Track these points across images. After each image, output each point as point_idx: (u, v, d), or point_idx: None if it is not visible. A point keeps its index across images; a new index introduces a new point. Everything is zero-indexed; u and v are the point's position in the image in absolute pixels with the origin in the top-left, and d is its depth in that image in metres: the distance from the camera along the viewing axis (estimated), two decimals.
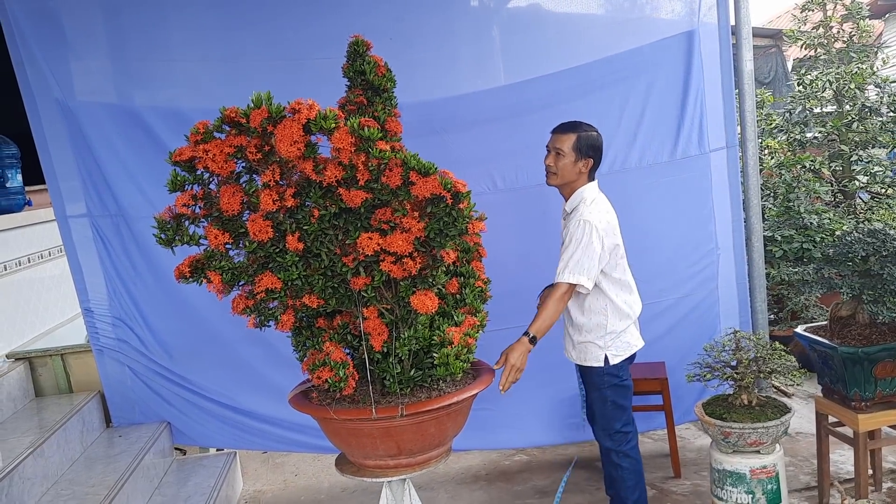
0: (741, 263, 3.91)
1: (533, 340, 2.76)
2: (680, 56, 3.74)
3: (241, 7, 3.60)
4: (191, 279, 2.37)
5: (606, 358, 2.90)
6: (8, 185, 4.39)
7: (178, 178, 2.34)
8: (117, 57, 3.65)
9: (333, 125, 2.14)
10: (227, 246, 2.34)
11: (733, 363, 3.04)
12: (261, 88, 3.72)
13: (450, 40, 3.79)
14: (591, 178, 2.94)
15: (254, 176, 2.37)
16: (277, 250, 2.30)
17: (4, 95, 4.56)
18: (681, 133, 3.77)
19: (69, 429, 3.49)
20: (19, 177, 4.48)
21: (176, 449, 4.03)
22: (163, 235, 2.36)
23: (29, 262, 4.38)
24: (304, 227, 2.26)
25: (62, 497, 3.12)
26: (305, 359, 2.41)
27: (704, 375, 3.01)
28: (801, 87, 6.43)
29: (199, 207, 2.34)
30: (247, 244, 2.29)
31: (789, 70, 10.84)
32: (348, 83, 2.55)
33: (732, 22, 3.81)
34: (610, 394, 2.92)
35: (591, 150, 2.90)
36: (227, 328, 3.79)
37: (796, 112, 6.34)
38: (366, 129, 2.14)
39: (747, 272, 3.92)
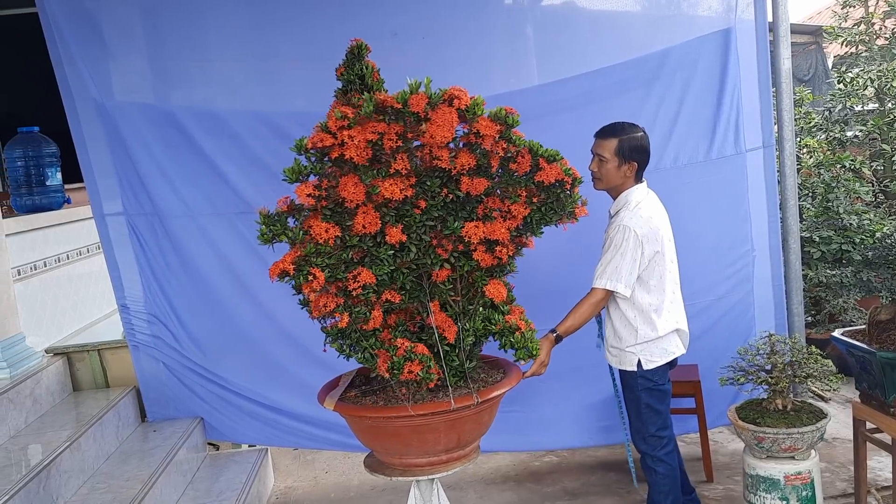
0: (777, 265, 3.84)
1: (558, 339, 2.81)
2: (716, 54, 3.68)
3: (274, 6, 3.63)
4: (290, 278, 2.26)
5: (640, 362, 2.87)
6: (48, 182, 4.48)
7: (301, 168, 2.27)
8: (152, 56, 3.71)
9: (481, 112, 2.20)
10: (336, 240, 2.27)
11: (767, 367, 2.99)
12: (294, 88, 3.79)
13: (484, 39, 3.78)
14: (638, 180, 2.90)
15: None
16: (373, 244, 2.27)
17: (45, 95, 4.65)
18: (716, 132, 3.71)
19: (105, 423, 3.55)
20: (59, 175, 4.57)
21: (209, 444, 4.09)
22: (267, 231, 2.29)
23: (67, 258, 4.47)
24: (407, 219, 2.26)
25: (98, 490, 3.17)
26: (366, 356, 2.35)
27: (738, 379, 2.97)
28: (841, 84, 6.30)
29: (322, 198, 2.26)
30: (347, 238, 2.24)
31: (829, 67, 10.64)
32: (343, 86, 2.50)
33: (770, 19, 3.74)
34: (644, 397, 2.89)
35: (634, 153, 2.85)
36: (257, 327, 3.83)
37: (836, 110, 6.22)
38: (509, 117, 2.22)
39: (783, 274, 3.85)
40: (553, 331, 2.81)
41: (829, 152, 6.06)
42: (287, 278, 2.26)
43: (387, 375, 2.23)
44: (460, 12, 3.74)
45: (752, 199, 3.79)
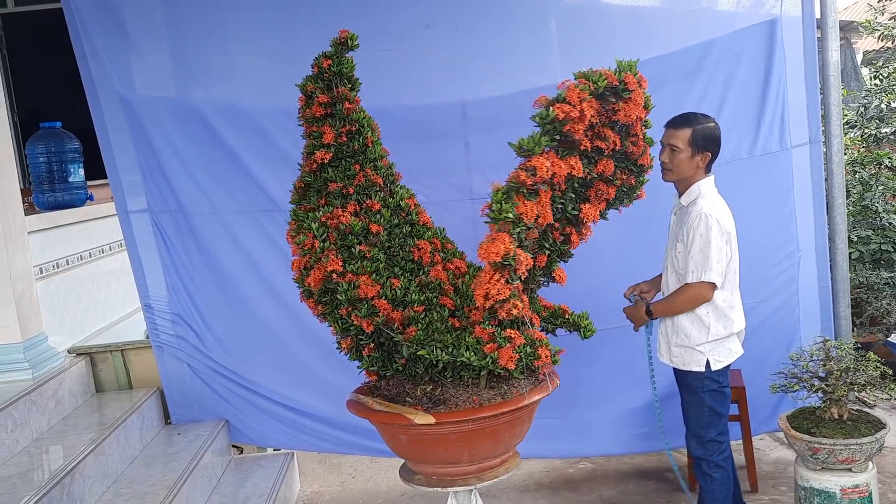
0: (823, 266, 3.68)
1: (650, 314, 2.86)
2: (761, 46, 3.53)
3: None
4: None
5: (708, 362, 2.76)
6: (70, 179, 4.40)
7: (539, 140, 2.17)
8: (176, 50, 3.61)
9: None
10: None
11: (821, 374, 2.84)
12: None
13: (508, 32, 3.65)
14: (707, 172, 2.83)
15: None
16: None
17: (67, 91, 4.58)
18: (761, 128, 3.57)
19: (129, 426, 3.46)
20: (81, 171, 4.49)
21: (233, 447, 3.99)
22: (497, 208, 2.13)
23: (90, 256, 4.38)
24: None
25: (122, 496, 3.08)
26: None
27: (791, 386, 2.83)
28: (877, 80, 6.12)
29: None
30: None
31: (858, 63, 10.41)
32: (325, 81, 2.50)
33: (817, 9, 3.59)
34: (708, 399, 2.78)
35: (708, 143, 2.78)
36: (283, 327, 3.73)
37: (872, 106, 6.03)
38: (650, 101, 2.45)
39: (830, 275, 3.70)
40: (648, 306, 2.86)
41: (863, 150, 5.88)
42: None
43: (512, 367, 2.10)
44: (487, 6, 3.61)
45: (797, 197, 3.63)
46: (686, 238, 2.74)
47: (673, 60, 3.56)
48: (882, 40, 6.34)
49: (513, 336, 2.09)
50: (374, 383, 2.48)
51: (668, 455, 3.14)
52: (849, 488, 2.75)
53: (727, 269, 2.75)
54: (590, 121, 2.26)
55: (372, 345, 2.30)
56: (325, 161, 2.38)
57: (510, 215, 2.05)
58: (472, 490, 2.41)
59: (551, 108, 2.19)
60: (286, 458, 3.92)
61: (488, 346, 2.09)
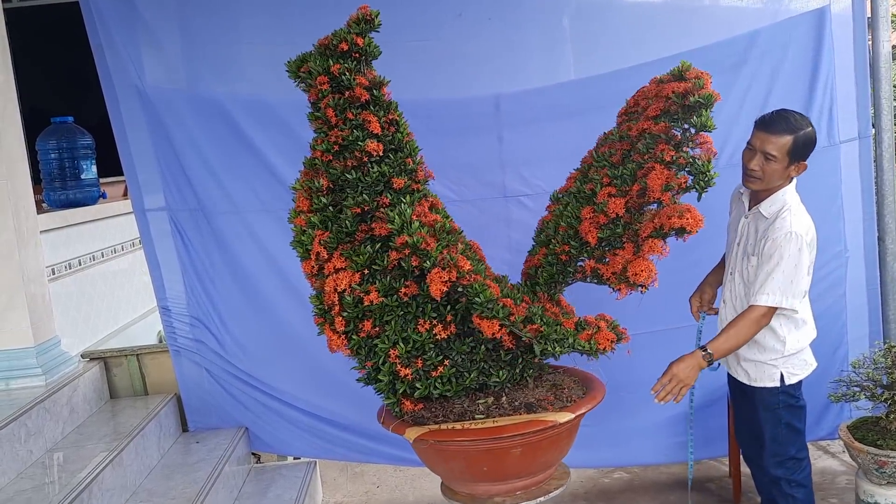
0: (872, 267, 3.51)
1: (709, 359, 2.46)
2: (809, 37, 3.35)
3: None
4: None
5: (782, 376, 2.57)
6: (83, 176, 4.24)
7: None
8: (195, 41, 3.44)
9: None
10: None
11: (885, 381, 2.68)
12: None
13: (546, 21, 3.49)
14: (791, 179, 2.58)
15: None
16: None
17: (75, 86, 4.43)
18: None
19: (146, 435, 3.30)
20: (94, 168, 4.33)
21: (251, 454, 3.82)
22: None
23: (102, 256, 4.23)
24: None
25: None
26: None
27: (854, 395, 2.66)
28: None
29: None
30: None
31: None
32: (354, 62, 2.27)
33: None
34: (785, 415, 2.58)
35: (807, 152, 2.50)
36: (306, 332, 3.51)
37: None
38: None
39: (879, 277, 3.54)
40: (703, 348, 2.48)
41: None
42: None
43: (611, 348, 2.17)
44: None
45: (845, 194, 3.46)
46: (767, 253, 2.46)
47: (714, 52, 3.39)
48: None
49: (598, 322, 2.21)
50: (415, 412, 2.23)
51: (689, 470, 2.96)
52: None
53: (810, 279, 2.56)
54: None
55: (446, 362, 2.13)
56: (378, 154, 2.16)
57: None
58: None
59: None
60: (308, 466, 3.76)
61: (583, 334, 2.14)
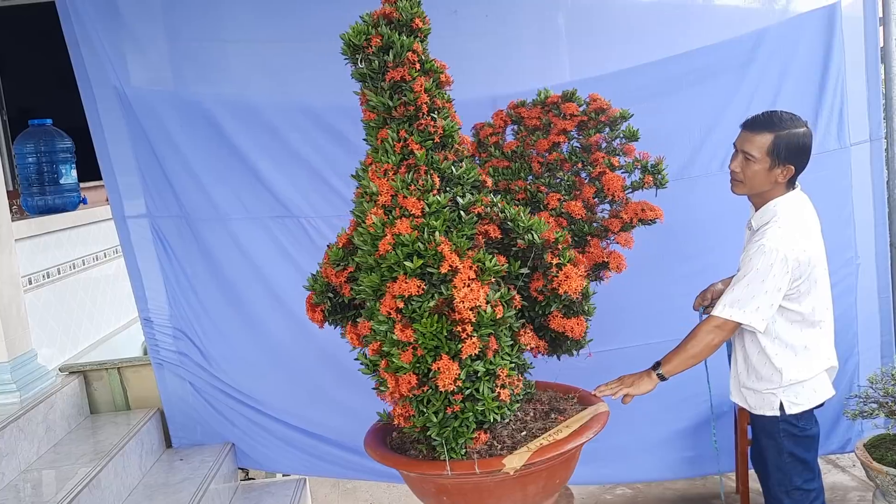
0: (884, 275, 3.38)
1: (661, 377, 2.33)
2: (819, 35, 3.22)
3: None
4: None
5: (782, 405, 2.38)
6: (62, 181, 4.08)
7: None
8: (176, 38, 3.28)
9: None
10: None
11: None
12: (340, 74, 3.34)
13: (545, 19, 3.35)
14: (790, 187, 2.37)
15: None
16: None
17: (58, 87, 4.27)
18: (818, 124, 3.25)
19: (127, 453, 3.15)
20: (74, 173, 4.17)
21: (239, 469, 3.67)
22: None
23: (83, 264, 4.06)
24: None
25: None
26: None
27: (872, 412, 2.52)
28: None
29: None
30: None
31: None
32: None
33: None
34: (787, 444, 2.40)
35: (792, 154, 2.28)
36: (294, 344, 3.41)
37: None
38: None
39: (891, 284, 3.40)
40: (656, 366, 2.33)
41: None
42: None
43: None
44: None
45: (856, 199, 3.33)
46: (739, 267, 2.32)
47: (721, 51, 3.26)
48: None
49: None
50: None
51: (720, 483, 2.83)
52: None
53: (815, 303, 2.35)
54: None
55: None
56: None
57: None
58: None
59: None
60: (298, 483, 3.60)
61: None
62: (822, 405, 2.43)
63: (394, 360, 1.76)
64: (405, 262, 1.74)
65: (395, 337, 1.76)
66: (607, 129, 2.41)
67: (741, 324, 2.28)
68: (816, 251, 2.35)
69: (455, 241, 1.78)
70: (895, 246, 3.40)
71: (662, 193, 3.31)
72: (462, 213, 1.88)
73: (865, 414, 2.57)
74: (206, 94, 3.27)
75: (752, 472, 2.98)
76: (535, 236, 1.91)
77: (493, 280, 1.84)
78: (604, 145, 2.40)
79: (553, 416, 2.26)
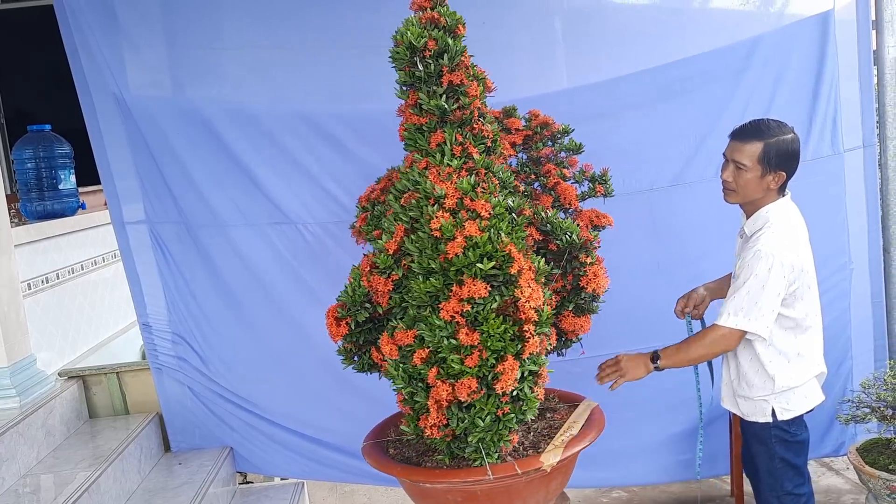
0: (877, 280, 3.41)
1: (657, 366, 2.41)
2: (813, 42, 3.25)
3: None
4: None
5: (774, 411, 2.41)
6: (61, 186, 4.09)
7: None
8: (175, 45, 3.29)
9: None
10: None
11: None
12: (340, 81, 3.37)
13: (543, 25, 3.37)
14: (781, 194, 2.42)
15: None
16: None
17: (57, 91, 4.29)
18: (812, 131, 3.29)
19: (126, 457, 3.16)
20: (72, 178, 4.18)
21: (237, 472, 3.68)
22: None
23: (82, 269, 4.08)
24: None
25: None
26: None
27: (864, 417, 2.55)
28: None
29: None
30: None
31: None
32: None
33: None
34: (779, 450, 2.43)
35: (783, 161, 2.33)
36: (292, 350, 3.43)
37: None
38: None
39: (884, 289, 3.43)
40: (655, 353, 2.39)
41: None
42: None
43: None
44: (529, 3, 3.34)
45: (849, 205, 3.36)
46: (737, 273, 2.35)
47: (716, 58, 3.28)
48: None
49: None
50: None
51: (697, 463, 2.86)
52: None
53: (808, 309, 2.39)
54: None
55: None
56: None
57: None
58: None
59: None
60: (296, 487, 3.62)
61: None
62: (811, 410, 2.46)
63: (453, 365, 1.76)
64: (478, 265, 1.76)
65: (454, 342, 1.76)
66: (550, 143, 2.52)
67: (746, 333, 2.30)
68: (807, 257, 2.39)
69: (516, 242, 1.83)
70: (888, 251, 3.43)
71: (658, 199, 3.36)
72: (514, 215, 1.93)
73: (858, 418, 2.59)
74: (204, 101, 3.29)
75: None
76: (574, 237, 1.99)
77: (542, 280, 1.90)
78: (552, 158, 2.51)
79: (549, 415, 2.30)
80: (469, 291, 1.75)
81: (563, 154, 2.53)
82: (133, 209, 3.36)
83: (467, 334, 1.75)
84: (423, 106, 1.96)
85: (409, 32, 1.92)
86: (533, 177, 2.46)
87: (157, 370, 3.47)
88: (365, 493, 3.91)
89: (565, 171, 2.47)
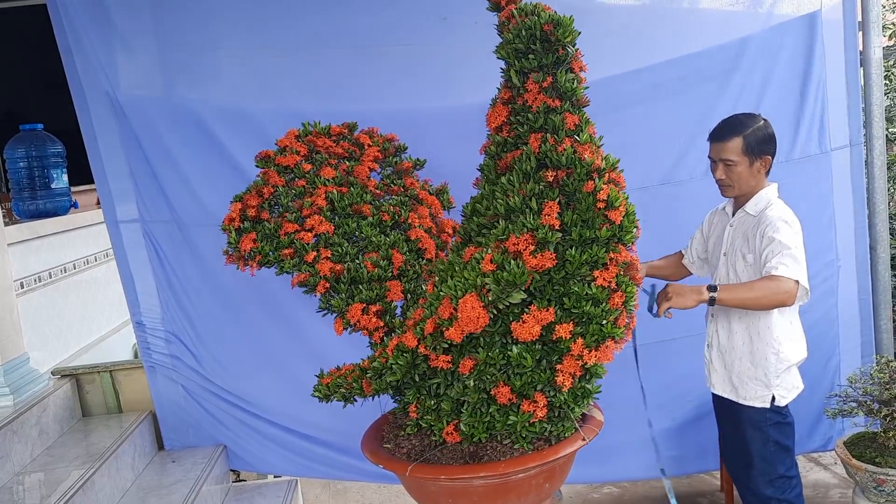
0: (864, 277, 3.46)
1: (712, 300, 2.35)
2: (801, 42, 3.30)
3: None
4: None
5: (773, 398, 2.48)
6: (53, 185, 4.10)
7: None
8: (169, 45, 3.30)
9: None
10: None
11: (884, 397, 2.61)
12: (334, 81, 3.39)
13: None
14: (768, 175, 2.58)
15: None
16: None
17: (49, 90, 4.29)
18: (800, 130, 3.34)
19: (120, 455, 3.17)
20: (65, 177, 4.18)
21: (231, 470, 3.70)
22: None
23: (74, 268, 4.08)
24: None
25: None
26: None
27: (851, 411, 2.59)
28: (888, 79, 5.94)
29: None
30: None
31: None
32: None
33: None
34: (773, 433, 2.50)
35: (764, 145, 2.52)
36: (286, 347, 3.45)
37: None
38: None
39: (871, 286, 3.48)
40: (712, 288, 2.36)
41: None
42: None
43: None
44: None
45: (837, 202, 3.41)
46: (769, 236, 2.39)
47: (706, 58, 3.32)
48: (892, 38, 6.16)
49: None
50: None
51: (667, 488, 2.87)
52: None
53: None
54: None
55: None
56: None
57: None
58: None
59: None
60: (290, 485, 3.63)
61: None
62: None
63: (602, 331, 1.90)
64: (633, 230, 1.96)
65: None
66: (396, 158, 2.67)
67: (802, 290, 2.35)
68: None
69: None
70: (875, 249, 3.47)
71: (651, 197, 3.37)
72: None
73: (845, 413, 2.63)
74: (197, 101, 3.30)
75: None
76: None
77: None
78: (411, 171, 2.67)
79: None
80: (623, 257, 1.90)
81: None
82: (126, 208, 3.37)
83: (619, 297, 1.88)
84: (559, 87, 2.01)
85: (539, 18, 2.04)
86: (401, 189, 2.60)
87: (150, 368, 3.48)
88: (358, 490, 3.94)
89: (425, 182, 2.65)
